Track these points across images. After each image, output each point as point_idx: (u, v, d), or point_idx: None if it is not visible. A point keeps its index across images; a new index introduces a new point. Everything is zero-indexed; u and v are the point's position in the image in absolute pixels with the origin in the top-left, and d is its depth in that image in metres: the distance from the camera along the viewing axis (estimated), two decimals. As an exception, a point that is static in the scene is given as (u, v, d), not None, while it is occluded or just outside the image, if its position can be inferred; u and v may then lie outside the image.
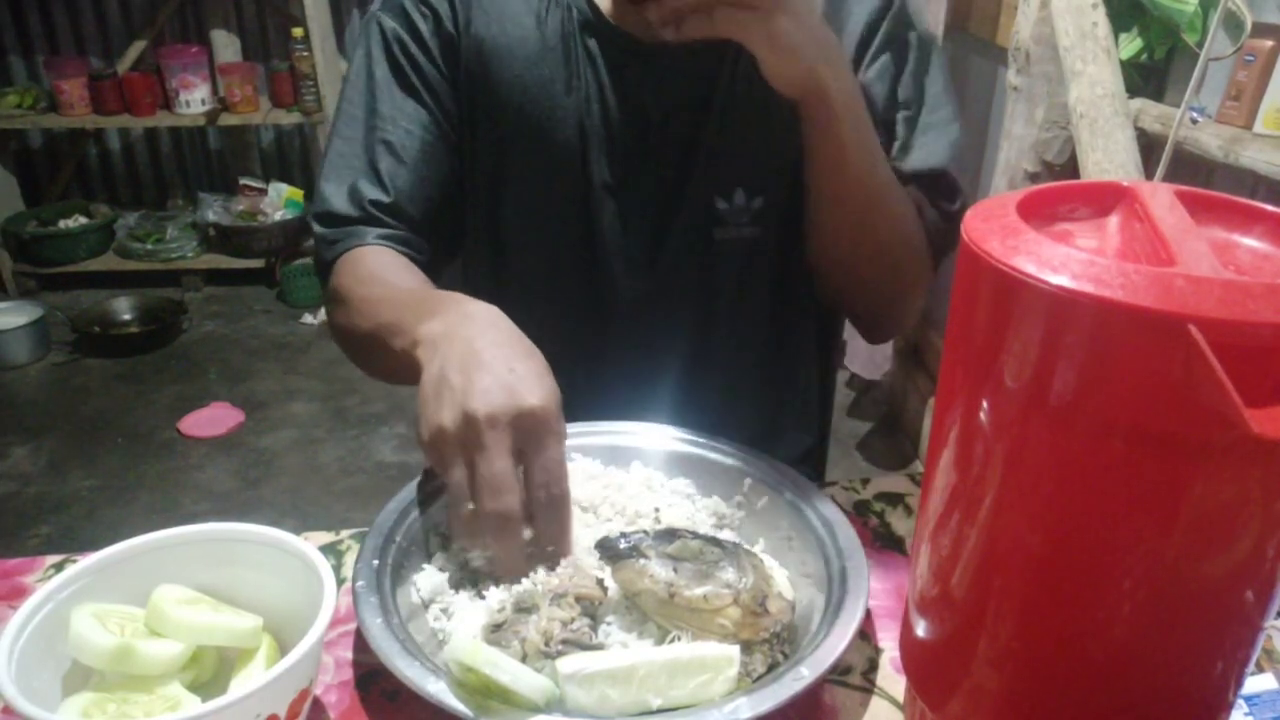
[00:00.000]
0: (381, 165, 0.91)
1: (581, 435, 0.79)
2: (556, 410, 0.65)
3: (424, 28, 0.91)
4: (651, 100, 0.92)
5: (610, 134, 0.93)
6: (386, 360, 0.78)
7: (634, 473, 0.78)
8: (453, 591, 0.68)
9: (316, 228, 0.94)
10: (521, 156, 0.93)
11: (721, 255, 0.96)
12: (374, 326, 0.81)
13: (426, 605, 0.67)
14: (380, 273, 0.87)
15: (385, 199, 0.91)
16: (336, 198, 0.92)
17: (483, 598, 0.65)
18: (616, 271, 0.96)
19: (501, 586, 0.65)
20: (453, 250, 1.01)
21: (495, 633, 0.61)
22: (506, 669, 0.55)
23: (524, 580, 0.65)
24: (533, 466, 0.65)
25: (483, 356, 0.66)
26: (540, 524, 0.65)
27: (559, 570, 0.65)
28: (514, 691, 0.55)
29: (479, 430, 0.62)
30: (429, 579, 0.68)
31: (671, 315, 0.97)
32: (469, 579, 0.69)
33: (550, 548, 0.66)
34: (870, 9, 0.93)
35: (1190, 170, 2.18)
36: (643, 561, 0.62)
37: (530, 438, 0.64)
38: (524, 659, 0.59)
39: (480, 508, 0.63)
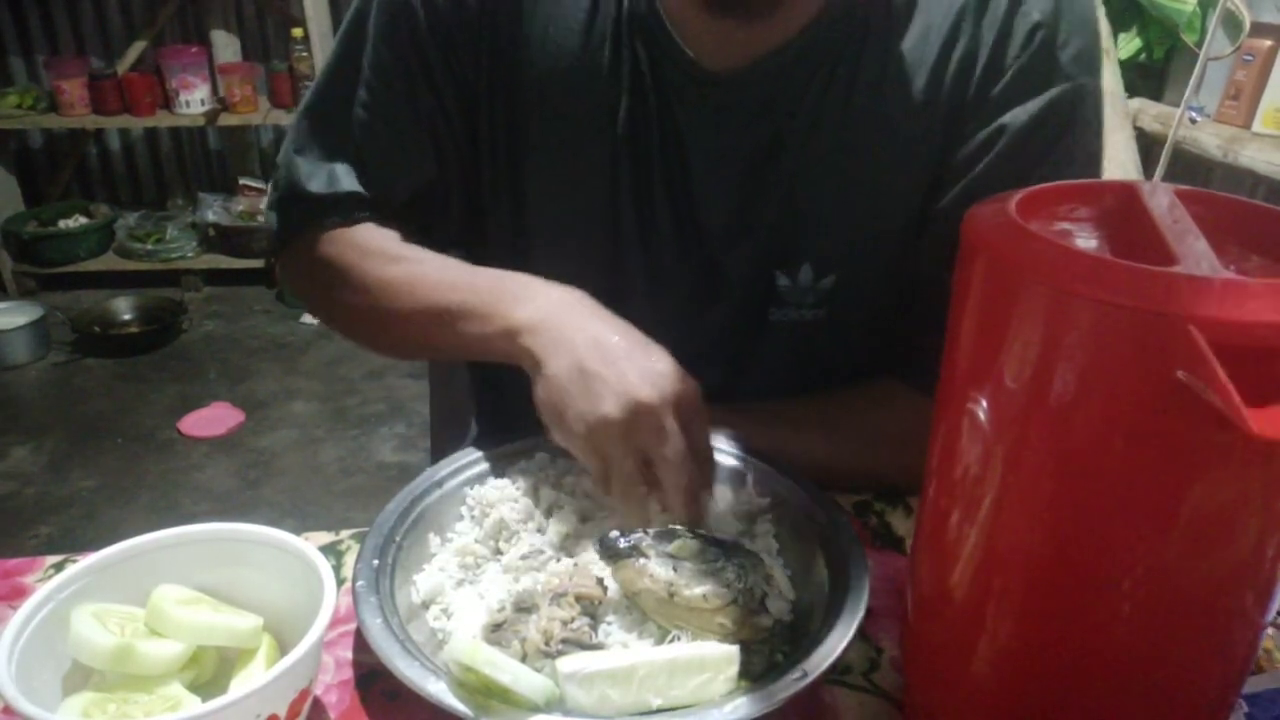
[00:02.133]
0: (365, 155, 0.84)
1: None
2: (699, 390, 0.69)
3: (440, 4, 0.79)
4: (703, 142, 0.79)
5: (648, 175, 0.81)
6: (441, 342, 0.78)
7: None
8: (453, 591, 0.68)
9: (275, 210, 0.87)
10: (542, 182, 0.84)
11: (774, 337, 0.86)
12: (424, 309, 0.78)
13: (426, 605, 0.67)
14: (392, 248, 0.83)
15: (364, 193, 0.84)
16: (313, 179, 0.84)
17: (482, 598, 0.66)
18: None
19: (500, 587, 0.65)
20: (444, 242, 0.91)
21: (495, 632, 0.61)
22: (507, 669, 0.55)
23: (523, 580, 0.65)
24: (696, 442, 0.68)
25: (617, 345, 0.68)
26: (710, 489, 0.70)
27: (559, 570, 0.65)
28: (514, 691, 0.55)
29: (656, 416, 0.65)
30: (429, 579, 0.68)
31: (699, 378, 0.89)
32: (469, 579, 0.69)
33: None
34: (996, 38, 0.75)
35: (1189, 169, 2.18)
36: (642, 561, 0.62)
37: (689, 419, 0.67)
38: (524, 659, 0.59)
39: (671, 486, 0.66)
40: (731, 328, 0.87)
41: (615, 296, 0.83)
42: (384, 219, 0.87)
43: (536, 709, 0.55)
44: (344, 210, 0.85)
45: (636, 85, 0.79)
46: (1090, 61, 0.77)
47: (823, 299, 0.84)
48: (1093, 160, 0.80)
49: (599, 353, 0.67)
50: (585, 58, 0.79)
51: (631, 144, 0.81)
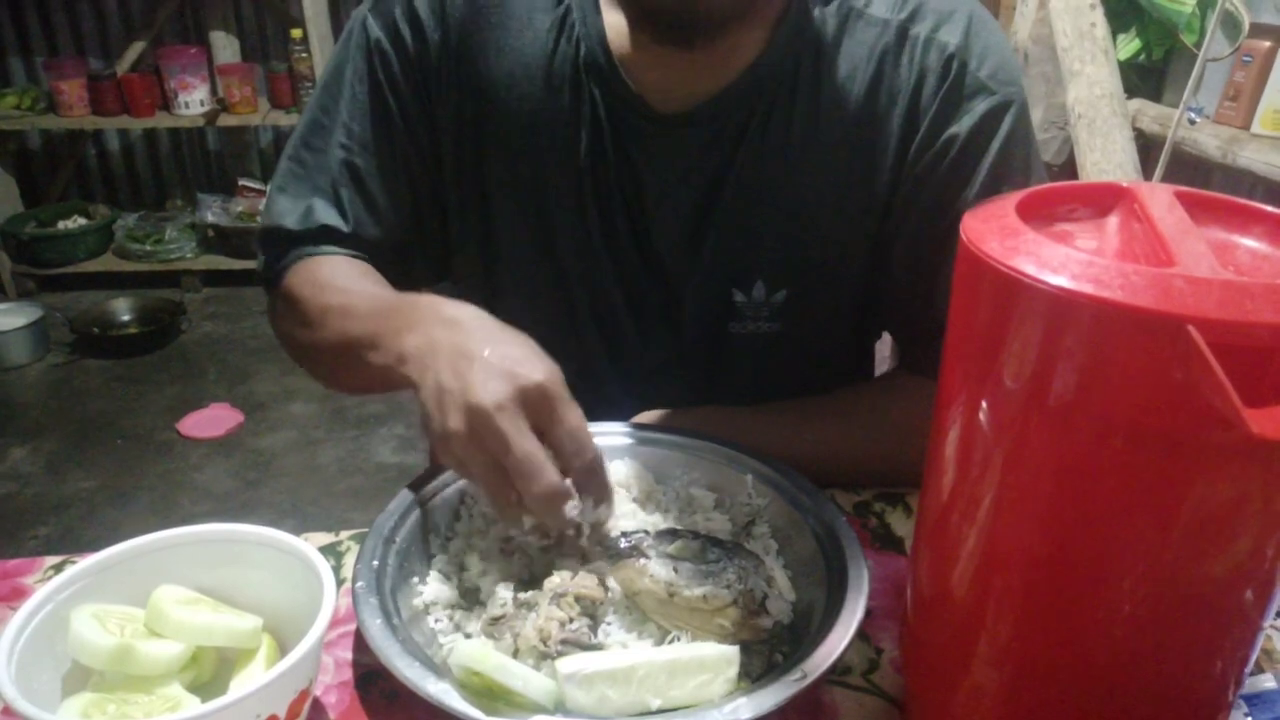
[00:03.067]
0: (343, 192, 0.87)
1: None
2: (561, 380, 0.64)
3: (411, 47, 0.85)
4: (655, 176, 0.85)
5: (609, 205, 0.86)
6: (360, 374, 0.75)
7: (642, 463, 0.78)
8: (455, 599, 0.68)
9: (260, 250, 0.90)
10: (511, 213, 0.89)
11: (736, 348, 0.91)
12: (342, 340, 0.77)
13: (428, 609, 0.67)
14: (338, 280, 0.84)
15: (342, 228, 0.87)
16: (290, 215, 0.88)
17: (482, 604, 0.66)
18: (613, 353, 0.93)
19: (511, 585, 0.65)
20: (423, 278, 0.96)
21: (493, 625, 0.62)
22: (517, 674, 0.56)
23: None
24: (557, 439, 0.63)
25: (472, 352, 0.64)
26: (583, 492, 0.64)
27: (559, 570, 0.65)
28: (523, 695, 0.55)
29: (490, 420, 0.60)
30: (432, 589, 0.67)
31: (671, 399, 0.90)
32: (471, 595, 0.68)
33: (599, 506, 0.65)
34: (917, 74, 0.81)
35: (1188, 170, 2.19)
36: (643, 561, 0.62)
37: (543, 413, 0.62)
38: (515, 654, 0.59)
39: (524, 493, 0.61)
40: (697, 341, 0.92)
41: (595, 320, 0.91)
42: (359, 254, 0.89)
43: (542, 710, 0.55)
44: (315, 242, 0.88)
45: (595, 124, 0.84)
46: (1009, 76, 0.83)
47: (777, 312, 0.90)
48: (1028, 166, 0.85)
49: (455, 365, 0.64)
50: (548, 99, 0.84)
51: (594, 176, 0.86)
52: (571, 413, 0.64)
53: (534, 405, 0.62)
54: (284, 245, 0.89)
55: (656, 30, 0.76)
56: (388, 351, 0.71)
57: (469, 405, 0.61)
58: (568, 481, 0.62)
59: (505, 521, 0.66)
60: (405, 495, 0.73)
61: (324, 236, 0.88)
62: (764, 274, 0.88)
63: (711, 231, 0.87)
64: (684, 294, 0.90)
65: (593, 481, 0.65)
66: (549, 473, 0.61)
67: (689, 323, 0.91)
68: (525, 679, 0.55)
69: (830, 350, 0.96)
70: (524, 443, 0.61)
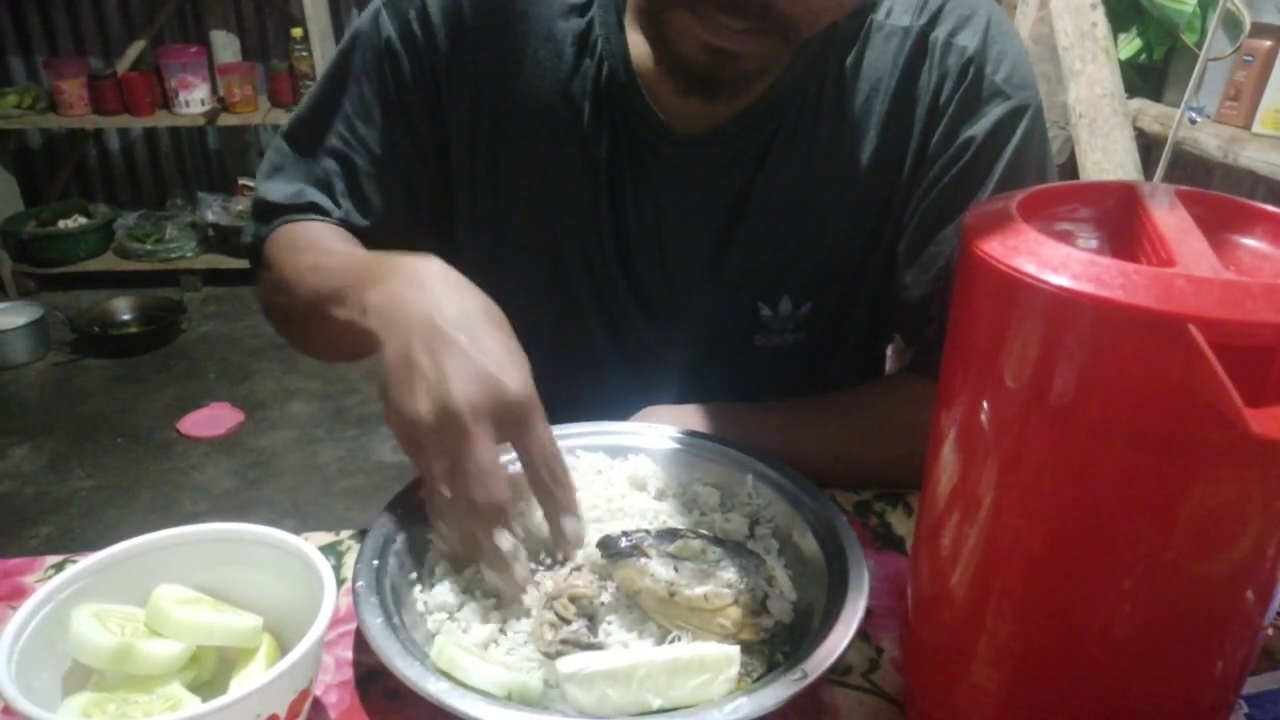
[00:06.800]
0: (336, 184, 0.87)
1: (582, 435, 0.79)
2: (533, 390, 0.63)
3: (424, 49, 0.84)
4: (676, 198, 0.85)
5: (624, 222, 0.86)
6: (328, 333, 0.74)
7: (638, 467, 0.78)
8: (455, 604, 0.67)
9: (251, 220, 0.90)
10: (523, 221, 0.89)
11: (759, 359, 0.92)
12: (313, 297, 0.76)
13: (427, 607, 0.67)
14: (317, 240, 0.83)
15: (332, 212, 0.87)
16: (278, 194, 0.87)
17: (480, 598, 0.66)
18: (627, 359, 0.93)
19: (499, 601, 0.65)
20: None
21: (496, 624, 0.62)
22: (463, 666, 0.57)
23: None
24: (526, 449, 0.63)
25: (448, 334, 0.62)
26: (548, 501, 0.64)
27: (554, 571, 0.65)
28: (478, 687, 0.56)
29: (463, 423, 0.60)
30: (436, 594, 0.67)
31: (686, 400, 0.90)
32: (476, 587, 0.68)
33: (566, 519, 0.65)
34: (937, 78, 0.82)
35: (1189, 170, 2.19)
36: (644, 560, 0.62)
37: (515, 424, 0.62)
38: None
39: (469, 500, 0.61)
40: (720, 351, 0.92)
41: (609, 331, 0.91)
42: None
43: (511, 701, 0.56)
44: (300, 213, 0.87)
45: (614, 140, 0.84)
46: (1024, 80, 0.83)
47: (802, 324, 0.91)
48: (1042, 170, 0.86)
49: (429, 340, 0.62)
50: (567, 113, 0.84)
51: (610, 192, 0.86)
52: (542, 424, 0.64)
53: (507, 417, 0.62)
54: (271, 214, 0.89)
55: (682, 84, 0.75)
56: (352, 305, 0.70)
57: (444, 403, 0.60)
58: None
59: (435, 523, 0.66)
60: (405, 494, 0.73)
61: (312, 211, 0.88)
62: (791, 289, 0.89)
63: (736, 249, 0.87)
64: (702, 307, 0.90)
65: (564, 493, 0.64)
66: (500, 487, 0.61)
67: (713, 335, 0.91)
68: (470, 671, 0.57)
69: (849, 354, 0.96)
70: (487, 453, 0.61)
